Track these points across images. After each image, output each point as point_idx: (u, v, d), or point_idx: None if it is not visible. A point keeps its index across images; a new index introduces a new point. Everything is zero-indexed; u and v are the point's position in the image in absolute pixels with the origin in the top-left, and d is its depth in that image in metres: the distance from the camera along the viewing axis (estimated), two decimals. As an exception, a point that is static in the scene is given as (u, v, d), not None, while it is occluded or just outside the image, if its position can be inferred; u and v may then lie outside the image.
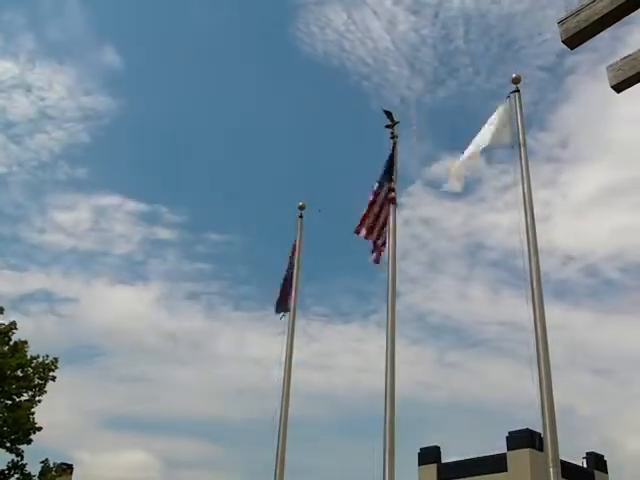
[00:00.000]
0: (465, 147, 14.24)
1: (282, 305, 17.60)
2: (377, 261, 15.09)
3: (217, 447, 74.57)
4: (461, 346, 72.52)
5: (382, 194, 15.44)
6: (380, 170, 15.80)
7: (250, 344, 72.39)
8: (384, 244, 15.12)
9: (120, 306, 75.17)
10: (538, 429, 11.16)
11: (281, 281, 17.94)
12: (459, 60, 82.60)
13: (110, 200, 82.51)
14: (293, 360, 16.16)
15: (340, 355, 72.97)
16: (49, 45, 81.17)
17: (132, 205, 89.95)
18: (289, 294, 17.36)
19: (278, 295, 17.80)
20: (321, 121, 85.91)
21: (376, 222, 15.24)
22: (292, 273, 17.56)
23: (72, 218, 77.50)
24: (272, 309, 17.93)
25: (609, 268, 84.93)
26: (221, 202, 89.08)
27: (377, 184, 15.56)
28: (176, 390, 70.91)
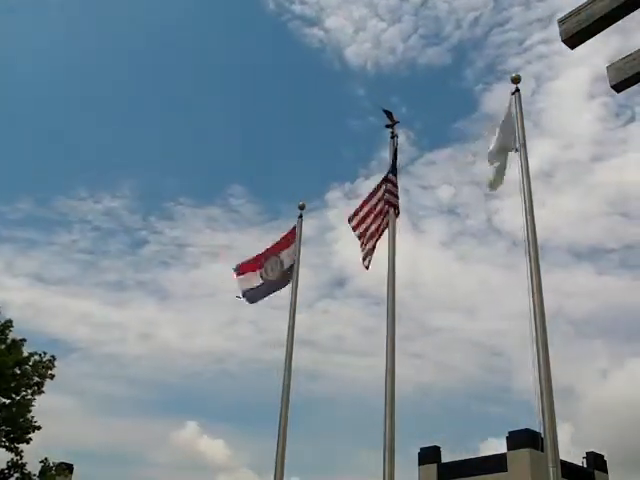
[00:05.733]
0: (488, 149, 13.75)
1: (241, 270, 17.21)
2: (368, 267, 14.68)
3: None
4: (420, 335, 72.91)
5: (381, 192, 15.00)
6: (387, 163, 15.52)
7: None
8: (374, 248, 14.74)
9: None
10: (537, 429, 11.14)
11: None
12: (402, 17, 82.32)
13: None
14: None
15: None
16: None
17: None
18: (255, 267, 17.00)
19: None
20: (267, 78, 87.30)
21: (372, 223, 14.85)
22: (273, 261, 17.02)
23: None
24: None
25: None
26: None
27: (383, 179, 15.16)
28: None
